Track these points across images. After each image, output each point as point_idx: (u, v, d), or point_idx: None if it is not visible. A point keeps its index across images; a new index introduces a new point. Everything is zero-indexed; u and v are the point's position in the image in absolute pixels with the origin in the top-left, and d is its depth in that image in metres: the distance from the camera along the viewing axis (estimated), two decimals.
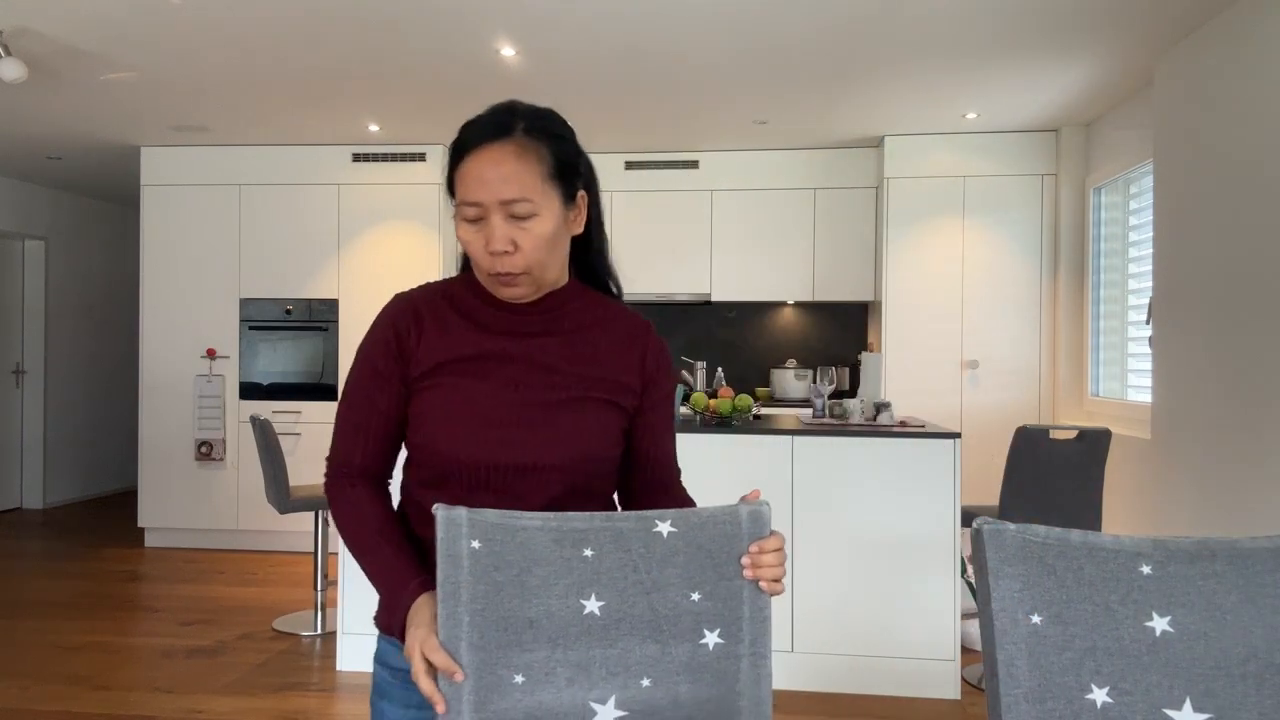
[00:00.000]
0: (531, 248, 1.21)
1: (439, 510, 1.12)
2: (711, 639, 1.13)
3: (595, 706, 1.12)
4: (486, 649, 1.10)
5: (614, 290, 1.40)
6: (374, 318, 1.32)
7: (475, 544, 1.11)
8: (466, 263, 1.35)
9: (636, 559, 1.12)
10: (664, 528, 1.12)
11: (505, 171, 1.18)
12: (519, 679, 1.10)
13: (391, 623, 1.19)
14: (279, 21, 3.76)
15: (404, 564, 1.21)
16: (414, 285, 1.36)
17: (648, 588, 1.12)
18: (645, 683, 1.12)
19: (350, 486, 1.28)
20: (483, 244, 1.21)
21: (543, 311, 1.31)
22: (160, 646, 3.95)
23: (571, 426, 1.26)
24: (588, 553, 1.11)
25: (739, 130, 5.43)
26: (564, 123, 1.27)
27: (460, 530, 1.11)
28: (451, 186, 1.24)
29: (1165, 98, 3.99)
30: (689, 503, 1.36)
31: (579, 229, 1.30)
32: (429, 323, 1.28)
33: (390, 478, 1.34)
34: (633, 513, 1.14)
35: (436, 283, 1.35)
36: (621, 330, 1.34)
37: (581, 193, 1.28)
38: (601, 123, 5.27)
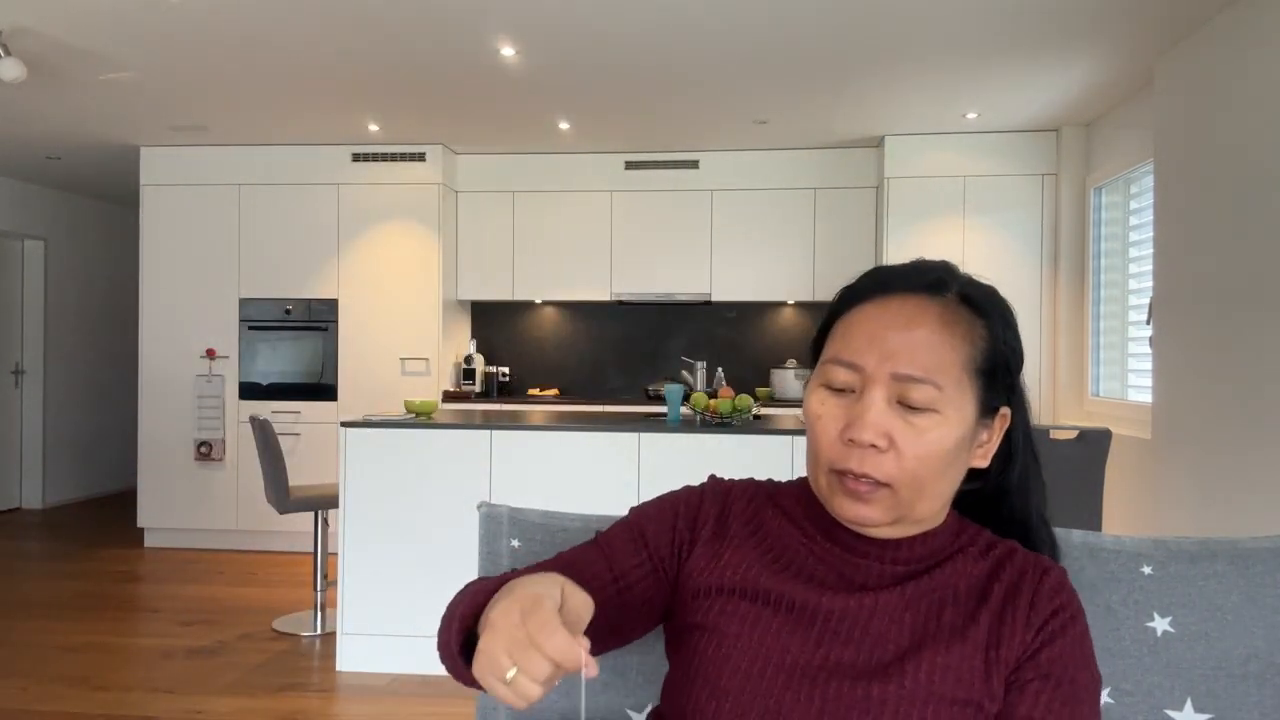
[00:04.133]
0: (915, 455, 0.82)
1: (481, 507, 1.11)
2: None
3: (632, 715, 1.10)
4: None
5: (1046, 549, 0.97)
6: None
7: (515, 543, 1.10)
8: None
9: None
10: None
11: (916, 337, 0.83)
12: None
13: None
14: (278, 21, 3.76)
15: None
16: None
17: None
18: None
19: None
20: (839, 425, 0.84)
21: (899, 561, 0.89)
22: (160, 647, 3.95)
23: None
24: None
25: (739, 130, 5.43)
26: (1009, 305, 0.91)
27: (501, 528, 1.11)
28: (820, 341, 0.91)
29: (1165, 98, 3.99)
30: None
31: (983, 461, 0.90)
32: (735, 518, 0.94)
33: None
34: None
35: (766, 481, 0.99)
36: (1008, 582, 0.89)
37: (1005, 410, 0.90)
38: (601, 123, 5.26)
